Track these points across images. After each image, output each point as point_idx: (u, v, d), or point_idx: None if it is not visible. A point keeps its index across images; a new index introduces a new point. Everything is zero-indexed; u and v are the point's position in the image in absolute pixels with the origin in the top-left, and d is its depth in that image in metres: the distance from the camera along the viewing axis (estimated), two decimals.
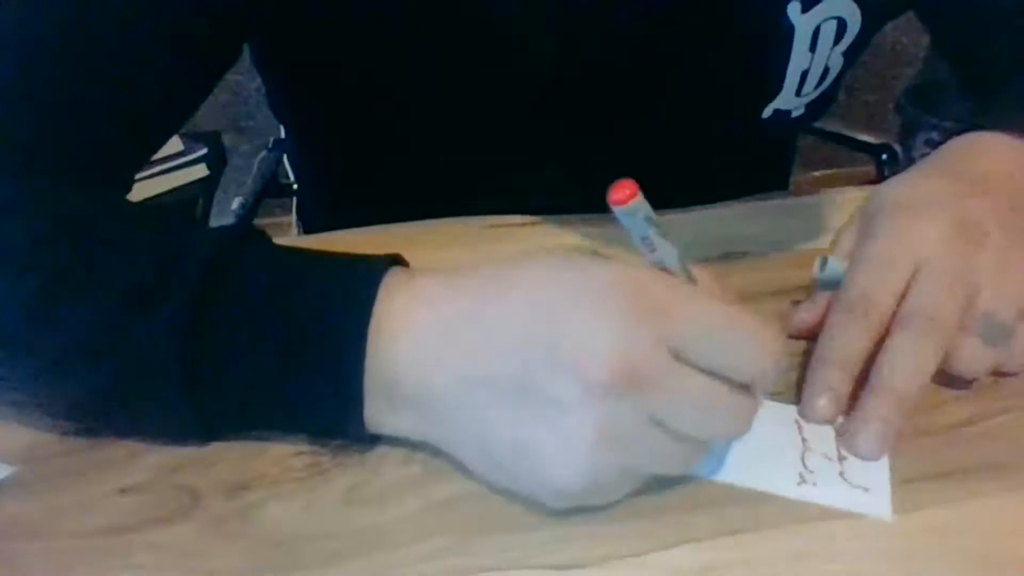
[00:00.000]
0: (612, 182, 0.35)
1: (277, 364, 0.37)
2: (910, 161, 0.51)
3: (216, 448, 0.40)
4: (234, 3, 0.51)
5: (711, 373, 0.34)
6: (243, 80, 1.74)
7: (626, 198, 0.34)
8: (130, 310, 0.37)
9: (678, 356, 0.33)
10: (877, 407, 0.40)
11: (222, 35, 0.53)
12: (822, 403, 0.41)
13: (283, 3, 0.53)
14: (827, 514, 0.36)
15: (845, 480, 0.38)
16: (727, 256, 0.54)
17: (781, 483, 0.38)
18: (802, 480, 0.38)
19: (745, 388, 0.34)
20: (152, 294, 0.37)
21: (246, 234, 0.41)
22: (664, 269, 0.36)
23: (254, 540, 0.36)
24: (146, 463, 0.39)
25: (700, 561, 0.34)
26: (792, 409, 0.42)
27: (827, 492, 0.37)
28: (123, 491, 0.38)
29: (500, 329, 0.35)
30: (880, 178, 1.19)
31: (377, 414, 0.37)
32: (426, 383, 0.36)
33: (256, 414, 0.39)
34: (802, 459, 0.39)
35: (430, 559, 0.35)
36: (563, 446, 0.33)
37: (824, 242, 0.52)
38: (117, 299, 0.37)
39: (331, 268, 0.39)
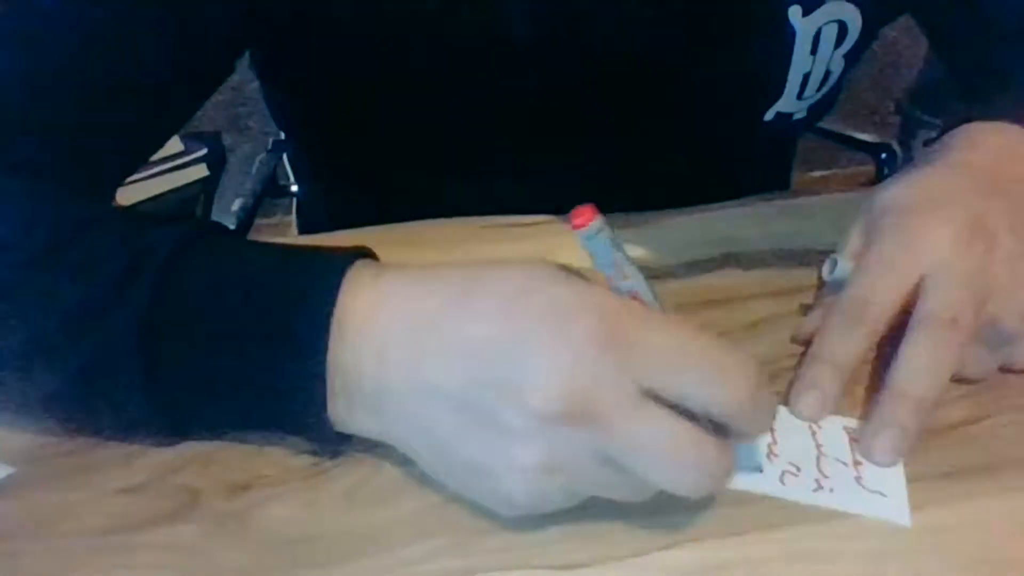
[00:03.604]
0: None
1: (238, 360, 0.36)
2: (910, 161, 0.50)
3: (216, 448, 0.40)
4: (229, 19, 0.51)
5: (683, 412, 0.32)
6: (243, 80, 1.73)
7: (585, 221, 0.34)
8: (92, 308, 0.37)
9: (646, 391, 0.32)
10: (894, 412, 0.39)
11: (217, 50, 0.53)
12: (807, 400, 0.41)
13: (277, 18, 0.53)
14: (827, 514, 0.36)
15: (861, 486, 0.38)
16: (725, 256, 0.54)
17: (797, 490, 0.37)
18: (818, 487, 0.38)
19: (721, 440, 0.32)
20: (113, 292, 0.37)
21: (210, 230, 0.41)
22: (634, 296, 0.35)
23: (254, 540, 0.36)
24: (146, 463, 0.39)
25: (700, 561, 0.34)
26: None
27: (844, 498, 0.37)
28: (123, 491, 0.38)
29: (459, 338, 0.34)
30: (880, 178, 1.19)
31: (341, 412, 0.37)
32: (384, 382, 0.35)
33: (218, 412, 0.38)
34: (817, 465, 0.39)
35: (430, 559, 0.35)
36: (509, 468, 0.33)
37: (824, 243, 0.52)
38: (80, 297, 0.37)
39: (294, 263, 0.38)
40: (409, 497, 0.37)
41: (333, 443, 0.38)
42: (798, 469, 0.38)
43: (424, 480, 0.38)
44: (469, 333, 0.34)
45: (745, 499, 0.37)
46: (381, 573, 0.34)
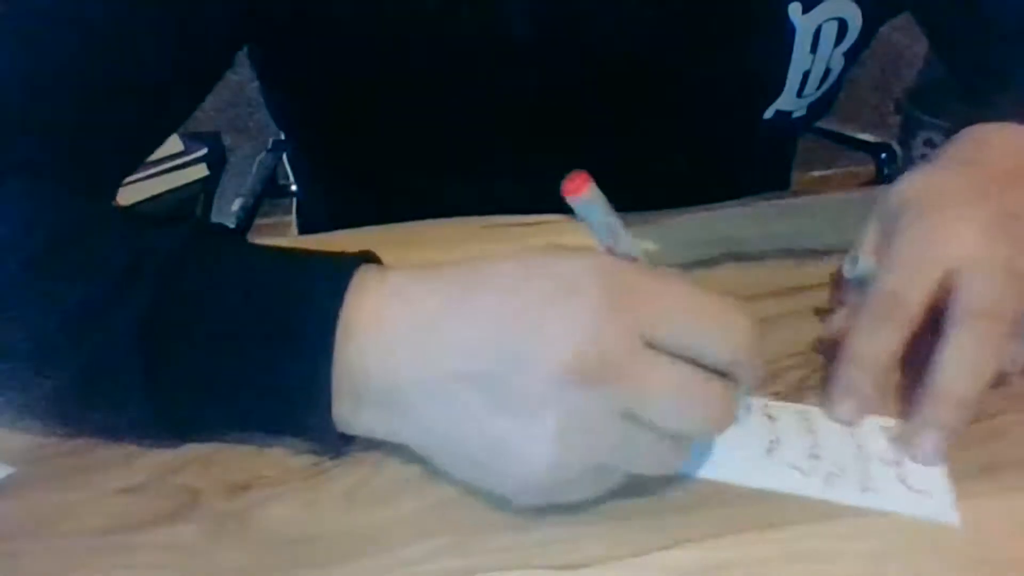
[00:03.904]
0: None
1: (240, 361, 0.36)
2: (910, 161, 0.50)
3: (216, 448, 0.40)
4: (229, 18, 0.51)
5: (687, 361, 0.34)
6: (243, 80, 1.74)
7: (578, 188, 0.34)
8: (94, 307, 0.37)
9: (652, 343, 0.33)
10: (935, 412, 0.39)
11: (217, 49, 0.53)
12: (843, 405, 0.41)
13: (277, 18, 0.53)
14: (827, 514, 0.36)
15: (906, 486, 0.37)
16: (727, 256, 0.54)
17: (843, 491, 0.37)
18: (864, 488, 0.37)
19: (724, 381, 0.34)
20: (116, 292, 0.37)
21: (211, 231, 0.41)
22: (633, 259, 0.36)
23: (254, 540, 0.36)
24: (146, 463, 0.39)
25: (700, 561, 0.34)
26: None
27: (889, 499, 0.37)
28: (123, 491, 0.38)
29: (471, 326, 0.35)
30: (880, 178, 1.19)
31: (346, 413, 0.37)
32: (395, 379, 0.36)
33: (219, 413, 0.38)
34: (861, 466, 0.38)
35: (430, 559, 0.35)
36: (528, 440, 0.33)
37: (824, 243, 0.52)
38: (82, 296, 0.37)
39: (300, 266, 0.38)
40: (409, 497, 0.37)
41: (336, 446, 0.38)
42: (842, 471, 0.38)
43: (424, 480, 0.38)
44: (481, 316, 0.35)
45: (745, 499, 0.37)
46: (381, 573, 0.34)
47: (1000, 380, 0.42)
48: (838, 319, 0.45)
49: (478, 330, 0.34)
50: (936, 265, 0.41)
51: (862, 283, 0.44)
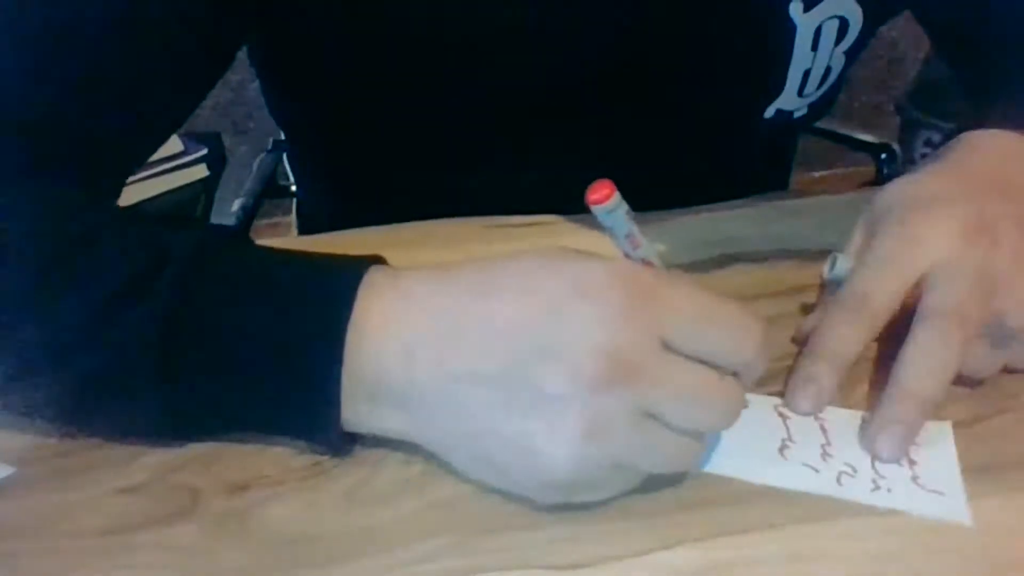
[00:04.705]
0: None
1: (251, 364, 0.37)
2: (910, 161, 0.50)
3: (216, 448, 0.40)
4: (230, 17, 0.51)
5: (699, 362, 0.34)
6: (243, 80, 1.74)
7: (604, 197, 0.35)
8: (110, 307, 0.37)
9: (668, 346, 0.34)
10: (897, 408, 0.39)
11: (214, 46, 0.53)
12: (804, 393, 0.41)
13: (276, 15, 0.53)
14: (827, 514, 0.36)
15: (919, 485, 0.37)
16: (726, 257, 0.54)
17: (855, 490, 0.37)
18: (876, 487, 0.37)
19: (734, 380, 0.35)
20: (132, 292, 0.37)
21: (228, 234, 0.41)
22: (649, 264, 0.37)
23: (254, 540, 0.36)
24: (146, 463, 0.39)
25: (700, 561, 0.34)
26: (858, 415, 0.41)
27: (902, 498, 0.37)
28: (123, 491, 0.38)
29: (491, 323, 0.35)
30: (880, 178, 1.19)
31: (358, 415, 0.37)
32: (414, 379, 0.36)
33: (228, 414, 0.39)
34: (873, 465, 0.39)
35: (430, 559, 0.35)
36: (552, 437, 0.33)
37: (824, 243, 0.52)
38: (99, 296, 0.37)
39: (311, 269, 0.38)
40: (409, 497, 0.37)
41: (341, 448, 0.38)
42: (854, 470, 0.38)
43: (424, 480, 0.38)
44: (501, 314, 0.35)
45: (745, 499, 0.37)
46: (381, 573, 0.34)
47: (975, 383, 0.42)
48: (812, 318, 0.45)
49: (498, 327, 0.35)
50: (911, 265, 0.42)
51: (839, 283, 0.44)
